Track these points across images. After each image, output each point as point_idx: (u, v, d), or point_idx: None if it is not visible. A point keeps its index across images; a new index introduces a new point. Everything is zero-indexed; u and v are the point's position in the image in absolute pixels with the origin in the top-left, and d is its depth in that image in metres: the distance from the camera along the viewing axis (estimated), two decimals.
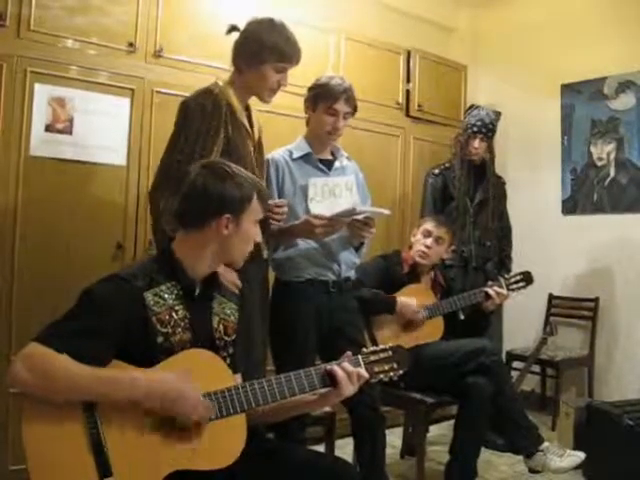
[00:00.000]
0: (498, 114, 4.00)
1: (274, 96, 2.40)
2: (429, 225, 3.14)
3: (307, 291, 2.55)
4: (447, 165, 3.94)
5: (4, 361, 2.59)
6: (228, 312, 1.79)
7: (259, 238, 1.78)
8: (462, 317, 3.19)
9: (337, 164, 2.69)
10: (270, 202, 2.39)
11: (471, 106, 4.07)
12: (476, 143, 3.83)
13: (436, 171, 3.92)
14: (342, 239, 2.61)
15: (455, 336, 3.06)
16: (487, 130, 3.85)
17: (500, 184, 4.06)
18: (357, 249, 2.71)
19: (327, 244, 2.58)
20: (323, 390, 1.68)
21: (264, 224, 2.34)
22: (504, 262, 3.98)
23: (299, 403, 1.74)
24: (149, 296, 1.59)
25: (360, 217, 2.44)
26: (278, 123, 3.26)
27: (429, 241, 3.10)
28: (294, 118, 3.21)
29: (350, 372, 1.66)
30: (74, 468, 1.42)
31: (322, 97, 2.57)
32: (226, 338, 1.75)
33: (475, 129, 3.83)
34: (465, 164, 3.86)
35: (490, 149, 3.94)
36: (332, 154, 2.72)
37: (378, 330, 2.96)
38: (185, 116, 2.20)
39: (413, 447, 3.42)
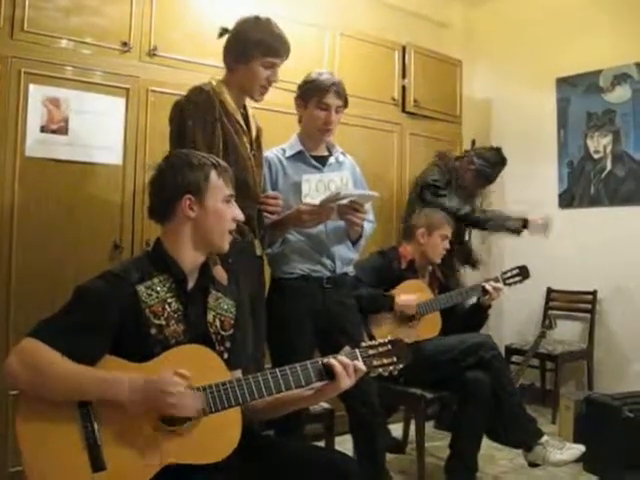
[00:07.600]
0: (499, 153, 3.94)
1: (265, 93, 2.37)
2: (447, 230, 3.20)
3: (301, 287, 2.54)
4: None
5: (2, 362, 2.58)
6: (225, 307, 1.79)
7: (240, 217, 1.78)
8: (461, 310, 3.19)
9: (332, 160, 2.68)
10: (263, 195, 2.40)
11: (488, 148, 4.02)
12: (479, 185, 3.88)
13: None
14: (337, 234, 2.59)
15: (454, 331, 3.06)
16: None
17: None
18: (355, 243, 2.67)
19: (320, 239, 2.56)
20: (320, 384, 1.68)
21: (259, 218, 2.35)
22: None
23: (296, 398, 1.73)
24: (142, 289, 1.60)
25: (345, 202, 2.40)
26: (274, 121, 3.24)
27: (447, 244, 3.19)
28: (290, 115, 3.18)
29: (347, 365, 1.65)
30: (68, 463, 1.43)
31: (312, 92, 2.57)
32: (223, 333, 1.75)
33: (487, 181, 3.87)
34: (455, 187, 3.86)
35: None
36: (328, 150, 2.72)
37: (376, 327, 2.95)
38: (180, 116, 2.19)
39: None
